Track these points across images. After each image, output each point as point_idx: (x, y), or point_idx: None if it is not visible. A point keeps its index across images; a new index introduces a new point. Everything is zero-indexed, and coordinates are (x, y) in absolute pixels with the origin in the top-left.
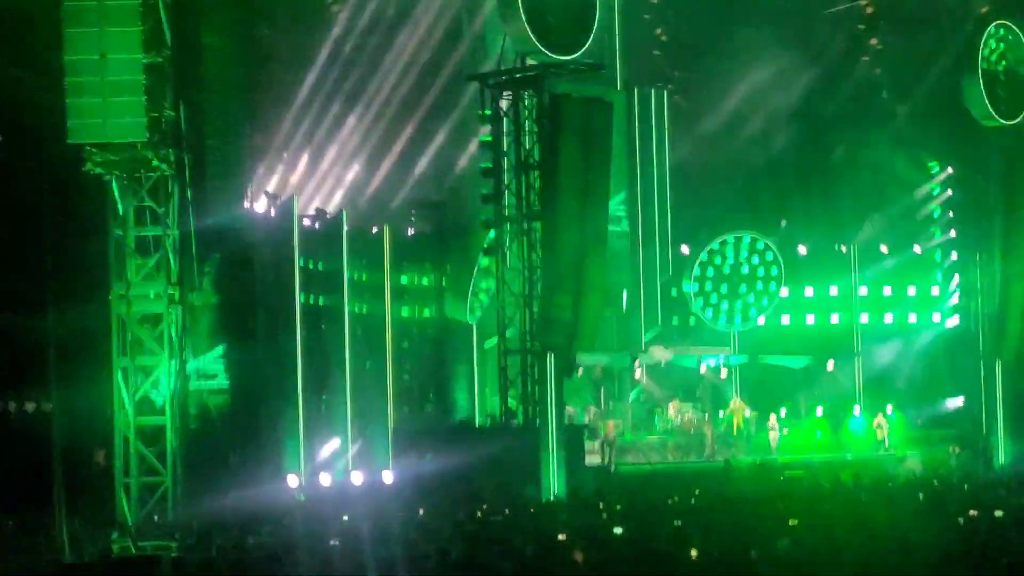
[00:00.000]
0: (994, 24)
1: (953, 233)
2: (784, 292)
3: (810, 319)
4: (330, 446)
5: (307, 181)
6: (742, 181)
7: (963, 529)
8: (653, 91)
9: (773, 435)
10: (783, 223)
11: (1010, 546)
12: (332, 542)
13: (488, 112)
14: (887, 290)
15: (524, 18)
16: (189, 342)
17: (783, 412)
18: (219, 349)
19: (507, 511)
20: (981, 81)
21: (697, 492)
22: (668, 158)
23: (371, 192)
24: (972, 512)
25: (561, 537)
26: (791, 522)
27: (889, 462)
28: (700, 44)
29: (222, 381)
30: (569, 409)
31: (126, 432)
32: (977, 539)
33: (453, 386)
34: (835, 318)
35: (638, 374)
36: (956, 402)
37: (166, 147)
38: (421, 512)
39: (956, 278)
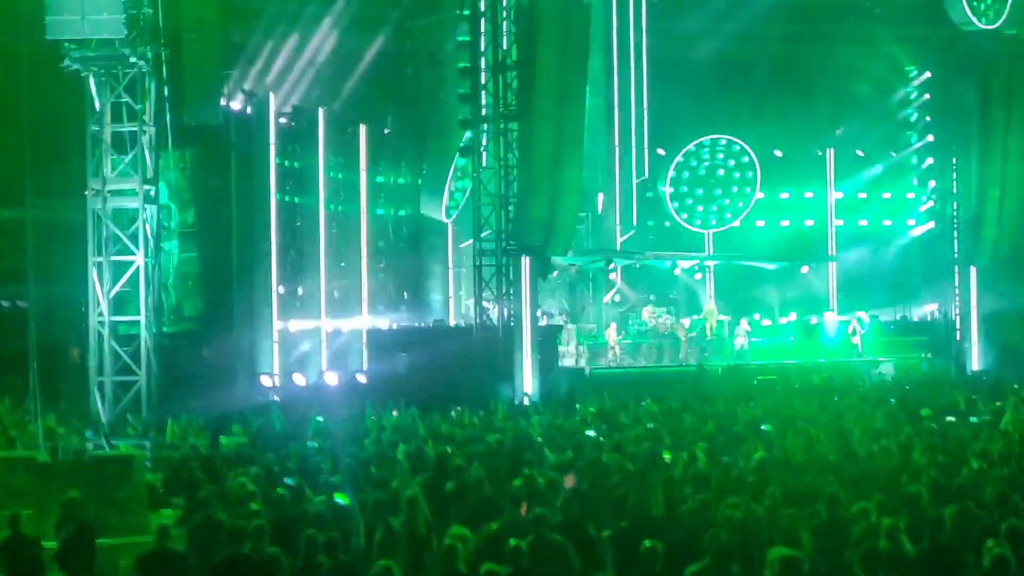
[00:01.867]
0: None
1: (930, 138)
2: (759, 195)
3: (785, 223)
4: (305, 345)
5: (284, 79)
6: (718, 83)
7: (934, 433)
8: None
9: (741, 340)
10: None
11: (980, 451)
12: (309, 441)
13: (466, 12)
14: (862, 195)
15: None
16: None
17: (756, 317)
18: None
19: (481, 412)
20: None
21: (671, 395)
22: (644, 60)
23: (348, 90)
24: (950, 418)
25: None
26: (764, 427)
27: (862, 367)
28: None
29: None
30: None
31: (100, 330)
32: (948, 444)
33: (428, 286)
34: (810, 222)
35: (613, 276)
36: (930, 307)
37: (143, 43)
38: (395, 413)
39: (932, 183)
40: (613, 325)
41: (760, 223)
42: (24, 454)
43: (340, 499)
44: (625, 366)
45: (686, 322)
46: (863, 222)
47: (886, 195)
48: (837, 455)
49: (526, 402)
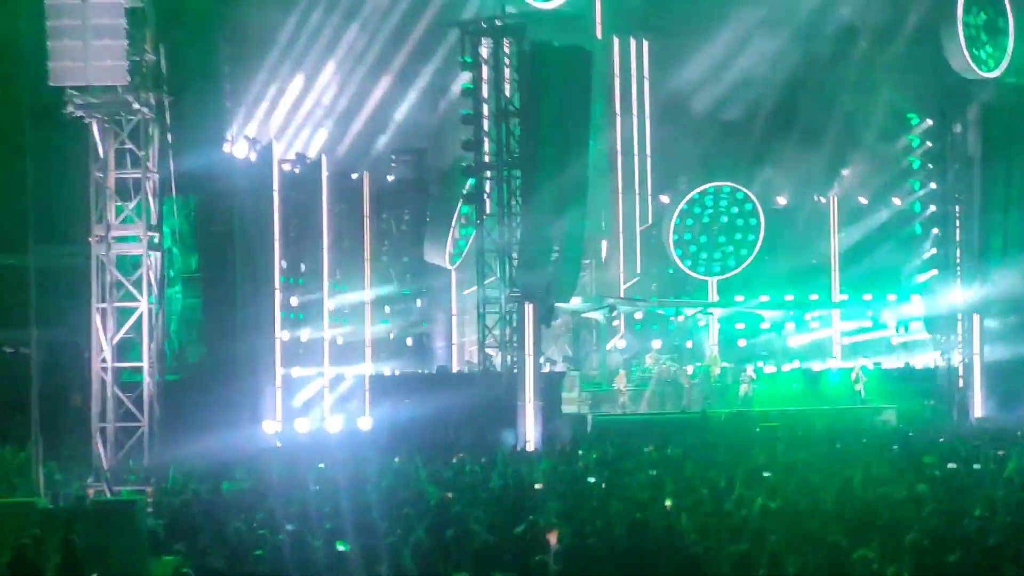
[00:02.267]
0: None
1: (933, 185)
2: (762, 242)
3: (788, 270)
4: (308, 391)
5: (287, 126)
6: (721, 130)
7: (938, 481)
8: (633, 39)
9: (745, 387)
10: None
11: (984, 499)
12: (312, 486)
13: (469, 59)
14: (865, 241)
15: None
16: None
17: (760, 364)
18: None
19: (483, 459)
20: (960, 33)
21: (673, 442)
22: (647, 107)
23: (351, 138)
24: (951, 465)
25: (538, 486)
26: (765, 474)
27: (865, 414)
28: None
29: (200, 326)
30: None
31: (103, 376)
32: (952, 491)
33: (432, 332)
34: (813, 269)
35: (616, 323)
36: (933, 355)
37: (146, 90)
38: (397, 460)
39: (934, 231)
40: (622, 373)
41: (764, 270)
42: (25, 500)
43: (341, 546)
44: (628, 413)
45: (689, 369)
46: (866, 269)
47: (889, 243)
48: (839, 502)
49: (529, 449)
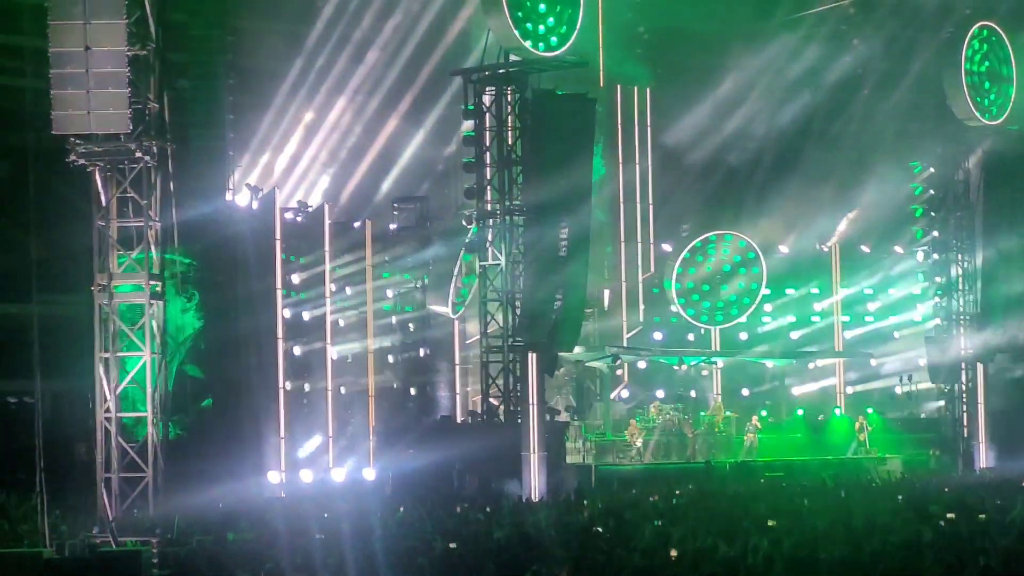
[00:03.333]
0: (977, 26)
1: (936, 234)
2: (765, 291)
3: (791, 318)
4: (312, 443)
5: (289, 174)
6: (723, 179)
7: (943, 531)
8: (635, 88)
9: (751, 437)
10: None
11: (988, 549)
12: (317, 535)
13: (471, 107)
14: (868, 290)
15: (508, 14)
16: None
17: (763, 413)
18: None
19: (488, 509)
20: (964, 82)
21: (678, 492)
22: (649, 155)
23: (353, 186)
24: (950, 515)
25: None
26: (770, 523)
27: (870, 464)
28: (681, 42)
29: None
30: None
31: (107, 426)
32: (956, 541)
33: (435, 382)
34: (816, 318)
35: (620, 373)
36: (937, 405)
37: (149, 138)
38: (402, 510)
39: (938, 279)
40: (633, 423)
41: (766, 319)
42: (30, 551)
43: None
44: (634, 463)
45: (692, 418)
46: (869, 318)
47: (892, 291)
48: (844, 552)
49: (533, 499)
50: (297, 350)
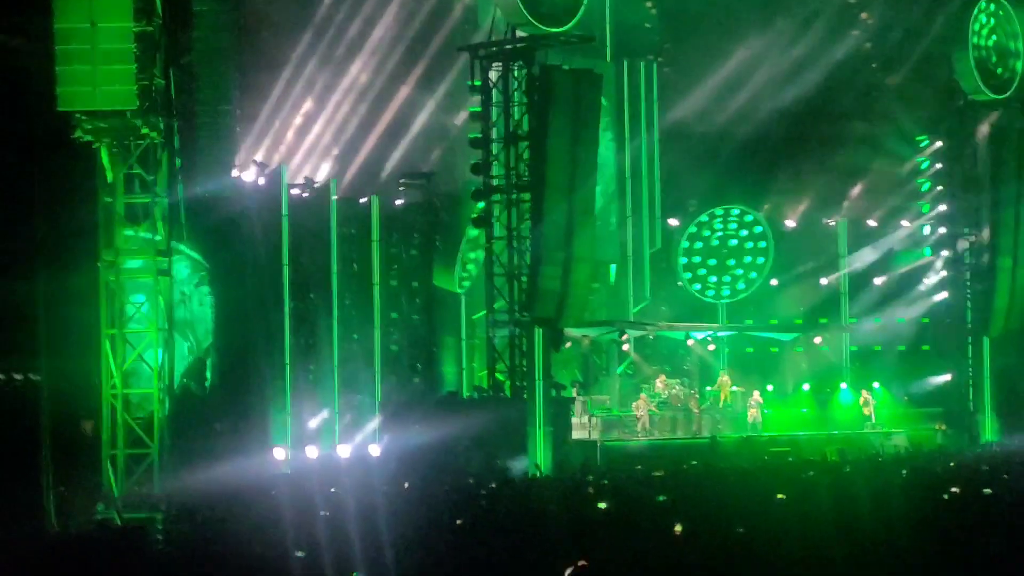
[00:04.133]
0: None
1: (943, 207)
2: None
3: (798, 292)
4: (317, 418)
5: (296, 150)
6: (730, 153)
7: (947, 505)
8: (642, 63)
9: (754, 412)
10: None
11: (994, 523)
12: (322, 512)
13: (478, 83)
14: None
15: None
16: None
17: (769, 388)
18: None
19: (493, 485)
20: (971, 56)
21: (683, 467)
22: (657, 130)
23: (360, 162)
24: (954, 489)
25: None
26: (779, 496)
27: (875, 438)
28: (689, 16)
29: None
30: None
31: (113, 403)
32: (962, 515)
33: (441, 357)
34: (823, 292)
35: (626, 348)
36: (943, 378)
37: (155, 115)
38: (407, 485)
39: (944, 253)
40: (643, 396)
41: (773, 294)
42: (36, 527)
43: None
44: (640, 439)
45: (698, 393)
46: (876, 292)
47: (899, 265)
48: (849, 527)
49: (538, 474)
50: (305, 326)
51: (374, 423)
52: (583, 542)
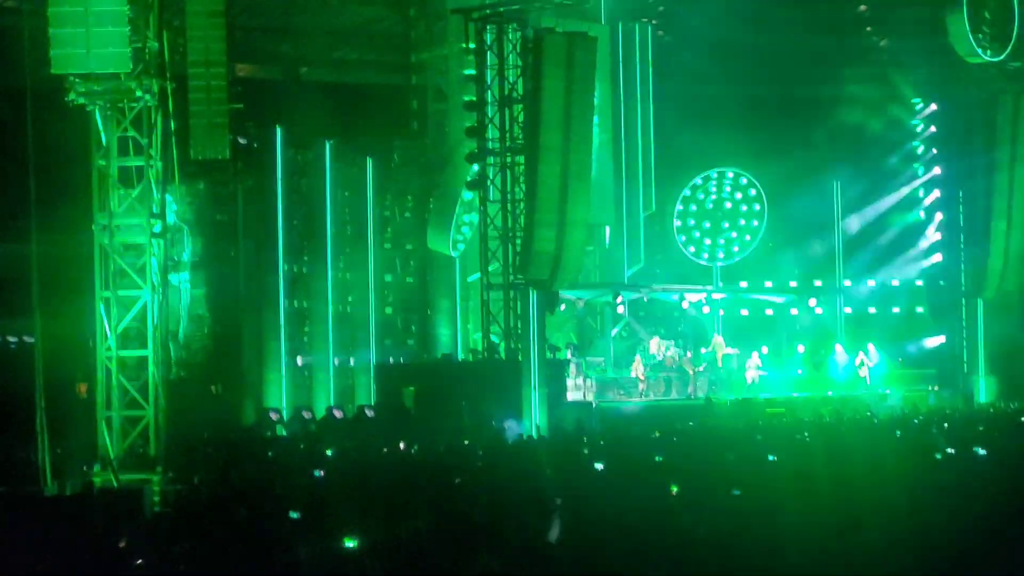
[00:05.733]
0: None
1: (937, 170)
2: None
3: (793, 255)
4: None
5: (291, 112)
6: (725, 117)
7: (940, 465)
8: (637, 26)
9: (751, 373)
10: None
11: (988, 484)
12: (318, 472)
13: (472, 45)
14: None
15: None
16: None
17: (764, 350)
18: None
19: (489, 446)
20: (966, 18)
21: (679, 428)
22: (651, 93)
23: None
24: (949, 450)
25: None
26: (770, 457)
27: (871, 400)
28: None
29: (204, 312)
30: None
31: (108, 365)
32: (956, 476)
33: (435, 320)
34: (817, 254)
35: (621, 310)
36: (937, 340)
37: (149, 77)
38: (402, 446)
39: (938, 216)
40: (639, 358)
41: (768, 256)
42: (31, 489)
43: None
44: (634, 399)
45: (692, 355)
46: (870, 255)
47: (893, 228)
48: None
49: (534, 436)
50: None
51: (370, 384)
52: (578, 502)
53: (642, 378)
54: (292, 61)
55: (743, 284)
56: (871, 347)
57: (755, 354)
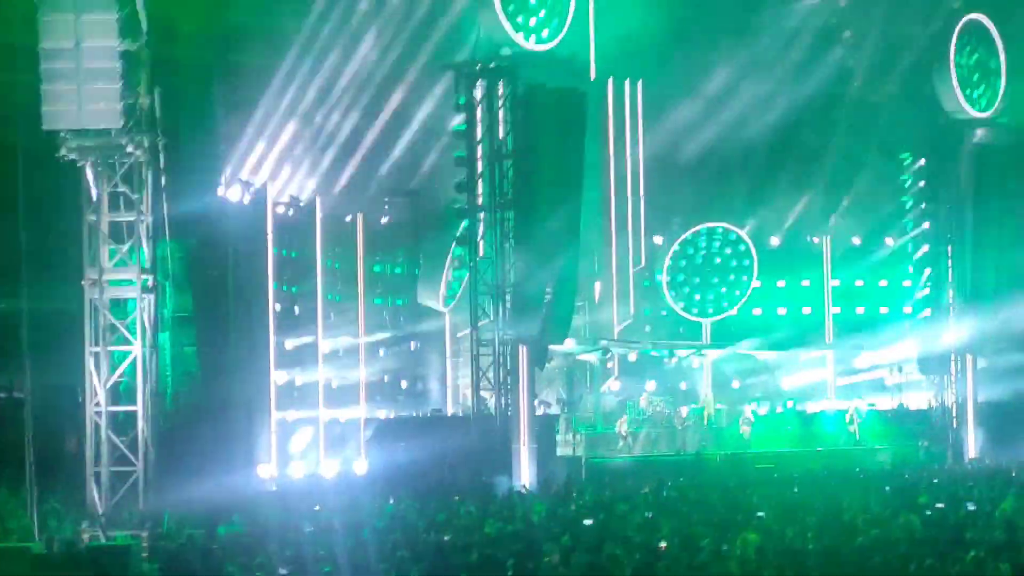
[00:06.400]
0: (966, 18)
1: (926, 225)
2: (756, 283)
3: (782, 311)
4: (302, 436)
5: (281, 168)
6: (714, 171)
7: (932, 521)
8: (627, 81)
9: (745, 428)
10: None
11: (977, 540)
12: (308, 528)
13: (462, 101)
14: (859, 282)
15: (499, 7)
16: (162, 329)
17: (753, 406)
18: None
19: (479, 502)
20: (953, 74)
21: (668, 484)
22: (641, 148)
23: (345, 180)
24: (939, 505)
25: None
26: (759, 514)
27: (860, 455)
28: (674, 34)
29: (194, 369)
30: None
31: (97, 420)
32: (944, 530)
33: (426, 375)
34: (807, 310)
35: (610, 365)
36: (927, 395)
37: (140, 133)
38: (392, 501)
39: (927, 271)
40: (624, 417)
41: (757, 311)
42: (19, 545)
43: None
44: (624, 455)
45: (684, 411)
46: (860, 309)
47: (882, 283)
48: (834, 543)
49: (524, 491)
50: (288, 344)
51: (360, 440)
52: (568, 557)
53: (624, 435)
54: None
55: (732, 340)
56: (860, 402)
57: (747, 408)
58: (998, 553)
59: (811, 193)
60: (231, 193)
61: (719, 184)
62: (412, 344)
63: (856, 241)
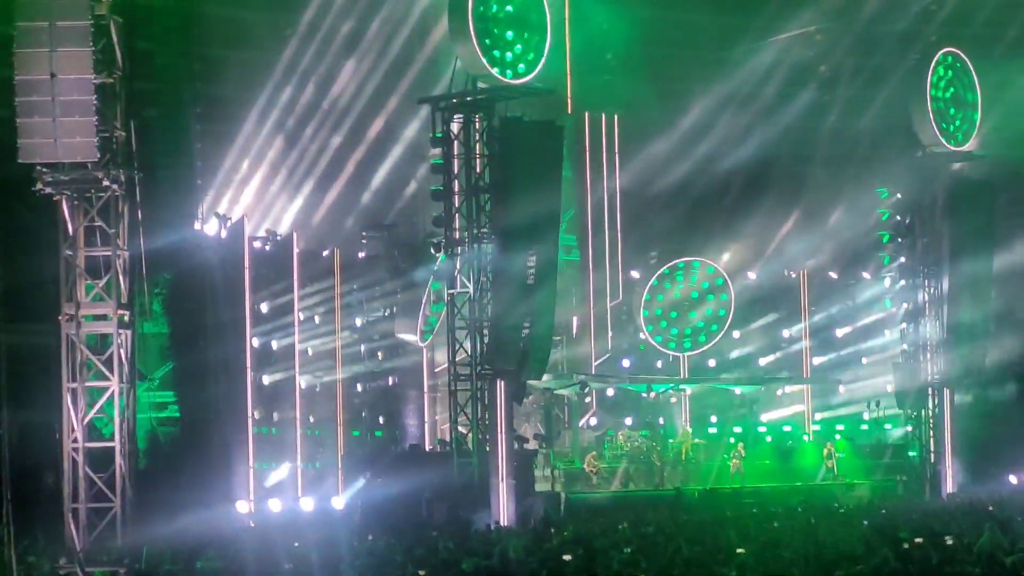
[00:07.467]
0: (942, 52)
1: (903, 259)
2: (733, 318)
3: (759, 345)
4: (280, 472)
5: (258, 202)
6: (691, 205)
7: (910, 556)
8: (603, 115)
9: (736, 464)
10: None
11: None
12: (286, 565)
13: (439, 135)
14: (836, 316)
15: (475, 41)
16: (140, 365)
17: (731, 440)
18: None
19: (457, 537)
20: (929, 108)
21: (647, 519)
22: (618, 182)
23: (322, 214)
24: (917, 540)
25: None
26: (739, 551)
27: (838, 490)
28: (649, 69)
29: (172, 408)
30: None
31: (75, 456)
32: (923, 566)
33: (403, 410)
34: (784, 344)
35: (588, 400)
36: (904, 430)
37: (116, 167)
38: (371, 538)
39: (905, 305)
40: (592, 455)
41: (735, 346)
42: None
43: None
44: (601, 490)
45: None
46: (837, 343)
47: (860, 317)
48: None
49: (502, 527)
50: (266, 379)
51: (337, 476)
52: None
53: (594, 471)
54: (259, 150)
55: (709, 375)
56: (837, 438)
57: (740, 445)
58: None
59: (788, 227)
60: (208, 227)
61: (696, 218)
62: (390, 379)
63: (833, 275)
